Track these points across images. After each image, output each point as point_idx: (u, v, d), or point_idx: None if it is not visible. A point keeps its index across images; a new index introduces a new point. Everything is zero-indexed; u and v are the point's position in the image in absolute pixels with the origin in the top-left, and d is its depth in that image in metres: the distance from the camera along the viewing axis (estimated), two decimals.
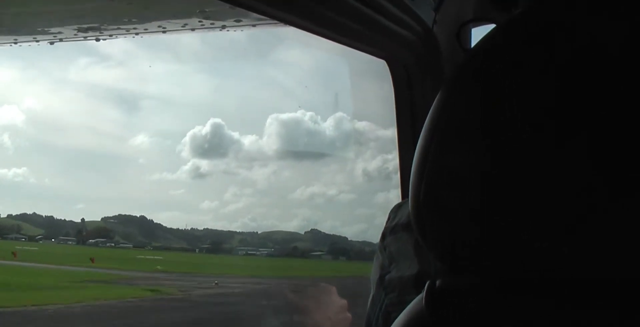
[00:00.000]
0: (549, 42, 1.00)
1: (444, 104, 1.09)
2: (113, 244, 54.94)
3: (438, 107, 1.09)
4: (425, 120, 1.11)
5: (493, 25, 1.14)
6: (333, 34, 2.47)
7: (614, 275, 0.99)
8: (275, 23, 2.53)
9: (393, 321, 1.27)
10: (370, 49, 2.79)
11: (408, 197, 1.13)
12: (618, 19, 0.97)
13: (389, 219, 1.62)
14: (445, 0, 2.78)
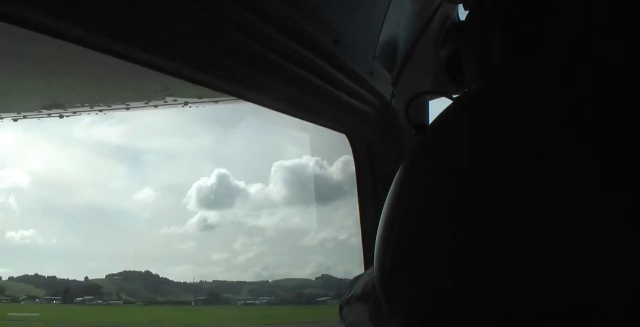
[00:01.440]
0: (503, 118, 1.03)
1: (406, 175, 1.12)
2: (101, 301, 53.89)
3: (400, 178, 1.12)
4: (385, 192, 1.13)
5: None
6: (292, 110, 2.50)
7: None
8: (238, 100, 2.56)
9: None
10: (330, 124, 2.81)
11: (369, 267, 1.14)
12: (567, 92, 1.01)
13: (345, 292, 1.64)
14: (402, 74, 2.82)
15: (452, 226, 1.02)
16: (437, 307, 1.06)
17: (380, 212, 1.15)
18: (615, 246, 0.93)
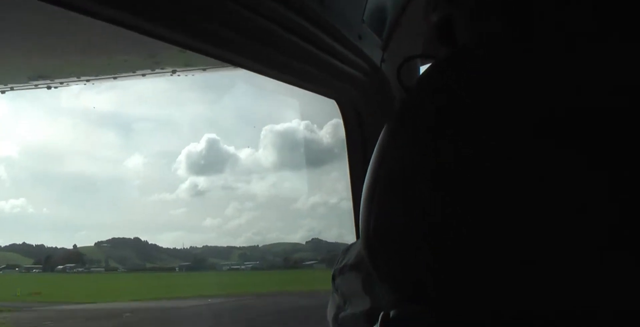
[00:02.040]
0: (485, 80, 1.02)
1: (389, 136, 1.10)
2: (82, 269, 54.15)
3: (383, 140, 1.11)
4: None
5: None
6: (282, 75, 2.48)
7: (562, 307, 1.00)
8: (225, 66, 2.55)
9: None
10: (320, 89, 2.80)
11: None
12: (553, 54, 1.00)
13: (337, 261, 1.63)
14: (392, 39, 2.81)
15: (433, 190, 1.01)
16: (421, 272, 1.06)
17: None
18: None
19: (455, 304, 1.06)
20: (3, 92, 3.34)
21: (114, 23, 1.68)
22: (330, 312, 1.59)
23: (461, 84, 1.04)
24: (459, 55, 1.10)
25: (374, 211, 1.08)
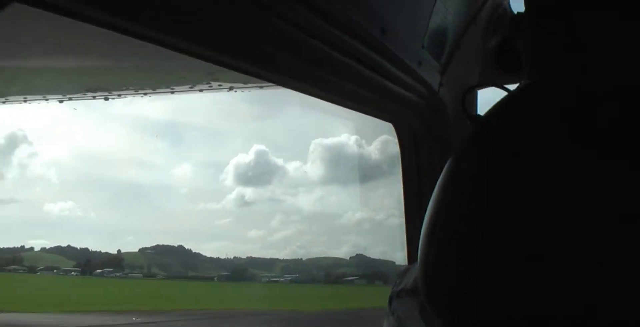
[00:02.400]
0: (563, 115, 1.00)
1: (453, 170, 1.09)
2: (120, 274, 54.42)
3: (447, 173, 1.09)
4: (430, 182, 1.12)
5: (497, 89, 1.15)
6: (339, 99, 2.48)
7: None
8: (282, 86, 2.55)
9: None
10: (377, 113, 2.79)
11: (413, 260, 1.12)
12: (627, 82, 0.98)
13: (395, 283, 1.62)
14: (451, 63, 2.79)
15: (500, 224, 1.00)
16: (477, 312, 1.04)
17: (425, 203, 1.13)
18: None
19: None
20: (61, 101, 3.37)
21: (172, 49, 1.69)
22: None
23: (533, 119, 1.02)
24: (529, 88, 1.08)
25: (434, 244, 1.07)
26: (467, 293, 1.05)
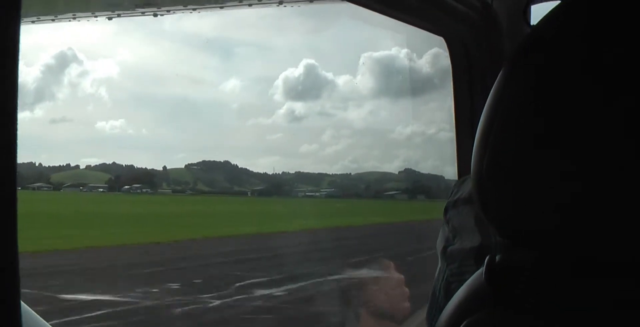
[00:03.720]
0: (613, 20, 0.99)
1: (507, 79, 1.09)
2: (149, 190, 54.86)
3: (501, 82, 1.10)
4: (482, 95, 1.12)
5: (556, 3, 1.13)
6: (391, 10, 2.45)
7: None
8: None
9: (453, 291, 1.30)
10: (429, 26, 2.76)
11: (463, 173, 1.13)
12: None
13: (451, 193, 1.64)
14: None
15: (548, 140, 1.01)
16: (530, 218, 1.06)
17: (476, 117, 1.13)
18: None
19: (563, 253, 1.06)
20: (110, 18, 3.37)
21: None
22: (439, 244, 1.60)
23: (582, 31, 1.02)
24: (576, 5, 1.06)
25: (489, 149, 1.08)
26: (520, 202, 1.07)
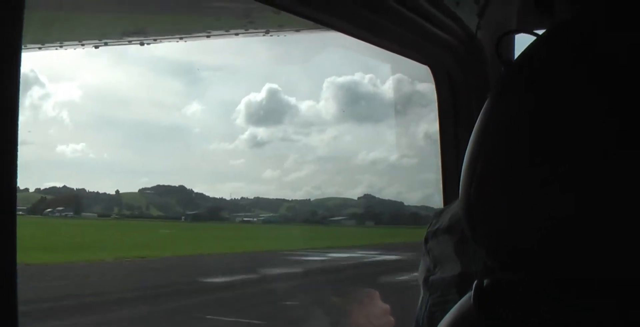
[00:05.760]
0: (592, 52, 1.00)
1: (494, 106, 1.10)
2: (72, 214, 54.14)
3: (488, 109, 1.11)
4: (467, 124, 1.13)
5: (534, 35, 1.15)
6: (376, 39, 2.47)
7: None
8: (319, 28, 2.54)
9: (436, 320, 1.30)
10: (414, 54, 2.78)
11: (450, 201, 1.14)
12: None
13: (430, 224, 1.65)
14: (489, 6, 2.77)
15: (538, 161, 1.01)
16: (519, 240, 1.06)
17: (462, 145, 1.15)
18: None
19: (553, 273, 1.06)
20: (97, 47, 3.39)
21: None
22: (420, 275, 1.61)
23: (566, 60, 1.03)
24: (562, 28, 1.08)
25: (477, 176, 1.08)
26: (508, 225, 1.07)
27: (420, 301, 1.58)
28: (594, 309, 1.04)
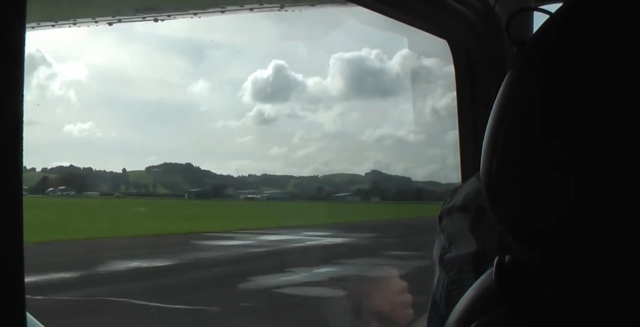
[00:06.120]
0: (616, 21, 1.00)
1: (514, 81, 1.11)
2: (73, 193, 54.41)
3: (508, 85, 1.11)
4: (485, 99, 1.14)
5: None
6: (394, 11, 2.45)
7: None
8: (335, 1, 2.52)
9: (454, 298, 1.30)
10: (431, 28, 2.76)
11: (467, 178, 1.14)
12: None
13: (445, 202, 1.66)
14: None
15: (559, 138, 1.02)
16: (540, 217, 1.07)
17: (479, 121, 1.14)
18: None
19: (573, 252, 1.06)
20: (110, 24, 3.37)
21: None
22: (436, 253, 1.61)
23: (592, 32, 1.02)
24: (575, 9, 1.07)
25: (499, 150, 1.09)
26: (530, 201, 1.07)
27: (436, 280, 1.58)
28: (615, 289, 1.04)
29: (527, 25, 2.70)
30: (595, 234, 1.02)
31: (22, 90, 0.85)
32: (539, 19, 2.78)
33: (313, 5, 2.80)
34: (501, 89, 1.12)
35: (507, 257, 1.16)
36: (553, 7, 1.16)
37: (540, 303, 1.09)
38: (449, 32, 2.83)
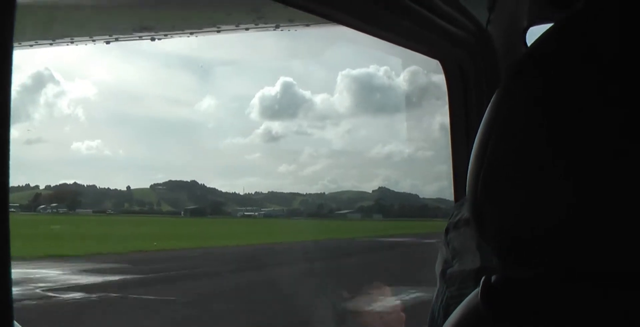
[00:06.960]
0: (605, 43, 0.99)
1: (501, 102, 1.10)
2: (65, 209, 53.82)
3: (495, 105, 1.10)
4: (479, 119, 1.13)
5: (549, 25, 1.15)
6: (387, 34, 2.47)
7: None
8: (329, 22, 2.53)
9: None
10: (425, 49, 2.77)
11: (460, 196, 1.14)
12: None
13: (451, 215, 1.65)
14: (499, 0, 2.76)
15: (545, 156, 1.01)
16: (526, 236, 1.06)
17: (473, 139, 1.15)
18: None
19: (560, 269, 1.06)
20: (108, 42, 3.38)
21: None
22: (438, 267, 1.60)
23: (577, 53, 1.02)
24: (571, 20, 1.07)
25: (483, 171, 1.08)
26: (516, 219, 1.07)
27: (436, 293, 1.57)
28: (602, 305, 1.04)
29: (522, 44, 2.72)
30: (587, 250, 1.02)
31: (10, 92, 0.85)
32: (531, 38, 2.80)
33: (307, 25, 2.82)
34: (490, 103, 1.12)
35: (492, 278, 1.15)
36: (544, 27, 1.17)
37: (529, 320, 1.09)
38: (442, 53, 2.84)
